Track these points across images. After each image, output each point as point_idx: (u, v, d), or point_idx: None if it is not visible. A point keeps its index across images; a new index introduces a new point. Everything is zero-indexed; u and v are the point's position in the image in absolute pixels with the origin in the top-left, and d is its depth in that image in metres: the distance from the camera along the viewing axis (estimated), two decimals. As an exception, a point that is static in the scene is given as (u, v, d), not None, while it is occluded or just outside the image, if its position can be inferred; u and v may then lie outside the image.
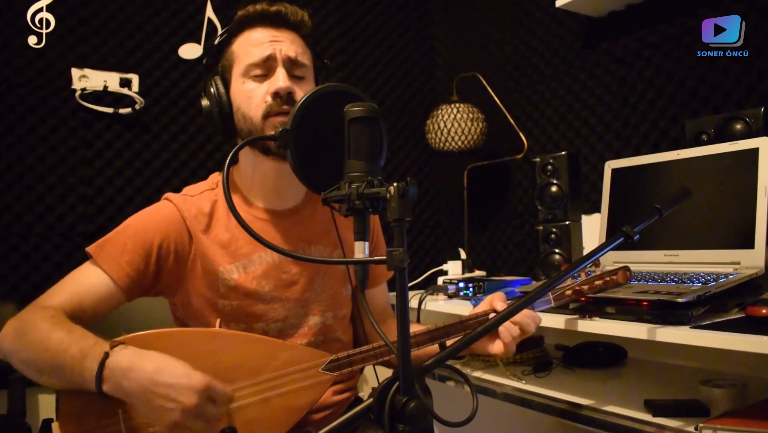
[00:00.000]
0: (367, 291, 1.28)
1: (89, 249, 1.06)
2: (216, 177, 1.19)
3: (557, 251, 1.72)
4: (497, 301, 1.12)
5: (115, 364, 0.88)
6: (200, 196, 1.13)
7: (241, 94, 1.09)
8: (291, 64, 1.10)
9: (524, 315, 1.07)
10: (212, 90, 1.10)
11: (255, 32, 1.10)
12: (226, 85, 1.11)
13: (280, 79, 1.07)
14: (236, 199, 1.15)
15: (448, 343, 1.12)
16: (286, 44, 1.09)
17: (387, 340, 0.75)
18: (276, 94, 1.07)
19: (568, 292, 1.17)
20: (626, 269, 1.17)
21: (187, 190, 1.16)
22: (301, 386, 1.01)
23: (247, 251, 1.11)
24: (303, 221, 1.18)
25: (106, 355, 0.89)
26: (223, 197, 1.13)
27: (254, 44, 1.09)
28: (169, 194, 1.14)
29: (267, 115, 1.07)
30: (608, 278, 1.17)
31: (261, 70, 1.08)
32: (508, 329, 1.06)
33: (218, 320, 1.06)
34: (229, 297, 1.10)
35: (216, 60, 1.15)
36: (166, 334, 1.00)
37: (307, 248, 1.17)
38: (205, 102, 1.12)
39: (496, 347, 1.07)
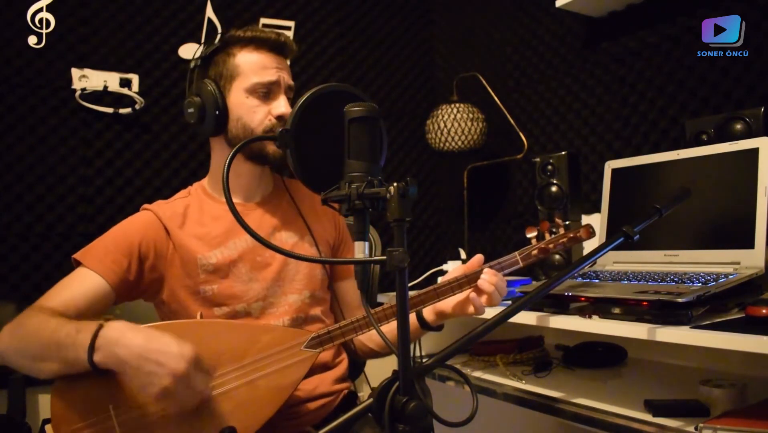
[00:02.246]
0: (341, 283, 1.33)
1: (75, 256, 1.13)
2: (189, 188, 1.28)
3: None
4: (474, 263, 1.17)
5: (107, 333, 0.94)
6: (174, 202, 1.22)
7: (243, 107, 1.18)
8: (288, 90, 1.22)
9: (490, 282, 1.12)
10: (211, 89, 1.17)
11: (264, 56, 1.19)
12: (221, 92, 1.19)
13: (282, 105, 1.18)
14: (209, 200, 1.23)
15: (427, 314, 1.19)
16: (285, 72, 1.22)
17: (388, 341, 0.75)
18: (280, 117, 1.18)
19: (534, 252, 1.21)
20: (588, 226, 1.22)
21: (160, 201, 1.24)
22: (285, 366, 1.05)
23: (221, 239, 1.18)
24: (271, 210, 1.26)
25: (100, 326, 0.94)
26: (194, 202, 1.23)
27: (264, 66, 1.18)
28: (145, 205, 1.22)
29: (269, 131, 1.18)
30: (572, 235, 1.22)
31: (265, 91, 1.18)
32: (481, 293, 1.13)
33: (199, 312, 1.12)
34: (210, 282, 1.15)
35: (207, 64, 1.21)
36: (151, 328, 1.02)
37: (278, 234, 1.24)
38: (197, 99, 1.18)
39: (466, 308, 1.15)
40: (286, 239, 1.24)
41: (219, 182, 1.23)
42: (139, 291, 1.16)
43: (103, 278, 1.09)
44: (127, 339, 0.93)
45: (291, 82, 1.23)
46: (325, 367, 1.23)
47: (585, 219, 1.81)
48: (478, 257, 1.18)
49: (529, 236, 1.26)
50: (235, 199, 1.23)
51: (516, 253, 1.20)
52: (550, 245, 1.22)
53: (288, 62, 1.25)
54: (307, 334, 1.07)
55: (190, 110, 1.19)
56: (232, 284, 1.17)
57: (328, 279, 1.29)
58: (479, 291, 1.13)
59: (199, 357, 0.94)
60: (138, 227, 1.16)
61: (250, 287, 1.18)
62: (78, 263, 1.12)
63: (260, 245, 1.16)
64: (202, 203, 1.23)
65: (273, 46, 1.21)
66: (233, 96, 1.18)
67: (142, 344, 0.92)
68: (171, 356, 0.91)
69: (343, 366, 1.28)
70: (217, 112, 1.16)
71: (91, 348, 0.92)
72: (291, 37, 1.30)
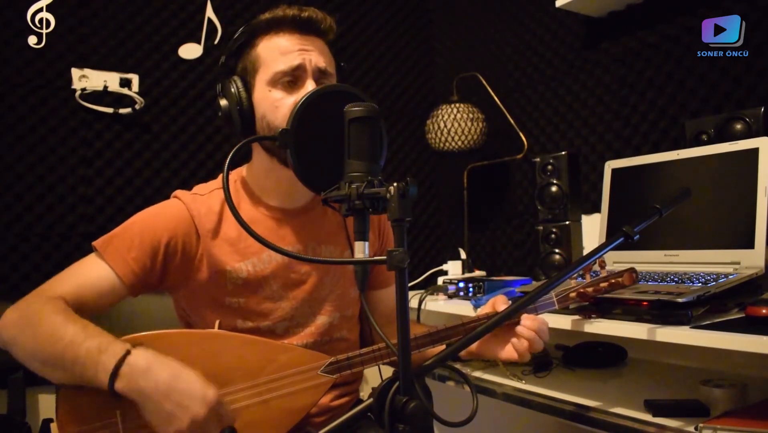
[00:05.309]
0: (379, 291, 1.28)
1: (96, 243, 1.06)
2: (231, 173, 1.18)
3: (557, 251, 1.72)
4: (500, 303, 1.12)
5: (134, 362, 0.88)
6: (210, 195, 1.12)
7: (266, 102, 1.06)
8: (319, 74, 1.07)
9: (530, 327, 1.06)
10: (233, 91, 1.07)
11: (283, 38, 1.06)
12: (247, 87, 1.08)
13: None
14: (248, 199, 1.14)
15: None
16: (315, 54, 1.07)
17: (387, 340, 0.75)
18: None
19: (573, 294, 1.15)
20: (632, 271, 1.14)
21: (198, 189, 1.14)
22: (300, 388, 1.01)
23: (256, 249, 1.09)
24: (314, 220, 1.17)
25: (128, 352, 0.89)
26: (233, 197, 1.13)
27: (283, 52, 1.05)
28: (178, 192, 1.12)
29: None
30: (614, 280, 1.15)
31: (289, 79, 1.05)
32: (520, 338, 1.06)
33: (217, 322, 1.06)
34: (237, 295, 1.09)
35: (235, 59, 1.12)
36: (165, 335, 1.00)
37: (318, 247, 1.15)
38: (224, 102, 1.08)
39: (507, 353, 1.08)
40: (325, 254, 1.15)
41: (261, 185, 1.14)
42: (159, 289, 1.10)
43: (120, 276, 1.02)
44: (154, 372, 0.88)
45: (322, 64, 1.06)
46: (342, 384, 1.17)
47: (585, 219, 1.81)
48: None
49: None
50: (274, 204, 1.14)
51: (553, 293, 1.13)
52: (589, 289, 1.15)
53: (322, 41, 1.10)
54: (325, 358, 1.02)
55: (219, 113, 1.09)
56: (261, 301, 1.10)
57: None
58: (519, 337, 1.06)
59: (221, 402, 0.89)
60: (168, 222, 1.06)
61: (278, 306, 1.11)
62: (96, 250, 1.05)
63: (295, 260, 1.11)
64: (241, 201, 1.13)
65: (295, 24, 1.06)
66: (257, 92, 1.07)
67: (167, 381, 0.87)
68: (194, 399, 0.86)
69: (356, 383, 1.24)
70: (240, 113, 1.06)
71: (114, 374, 0.87)
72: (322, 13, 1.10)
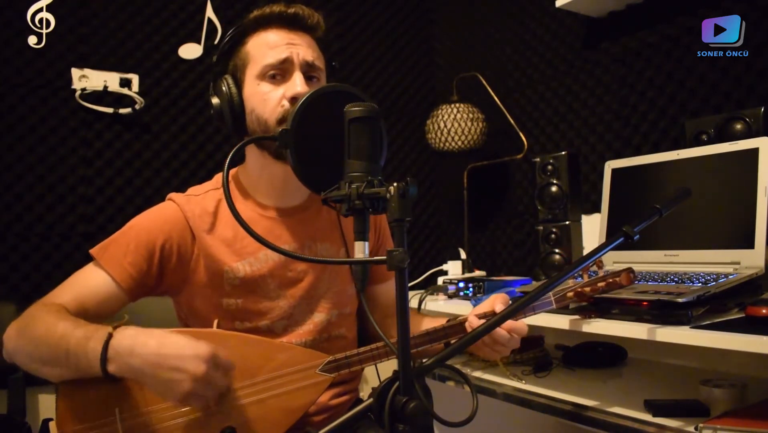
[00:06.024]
0: (377, 287, 1.28)
1: (93, 251, 1.07)
2: (221, 177, 1.18)
3: (557, 251, 1.72)
4: (499, 302, 1.12)
5: (118, 343, 0.89)
6: (204, 196, 1.13)
7: (255, 96, 1.08)
8: (307, 68, 1.09)
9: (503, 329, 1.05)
10: (224, 88, 1.08)
11: (270, 34, 1.09)
12: (238, 85, 1.10)
13: (297, 84, 1.06)
14: (243, 199, 1.15)
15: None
16: (303, 48, 1.09)
17: (387, 340, 0.75)
18: (294, 99, 1.04)
19: (570, 294, 1.15)
20: (629, 271, 1.14)
21: (192, 190, 1.15)
22: (298, 387, 1.01)
23: (252, 249, 1.10)
24: (309, 219, 1.17)
25: (110, 335, 0.90)
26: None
27: (271, 46, 1.08)
28: (172, 194, 1.13)
29: (283, 120, 1.05)
30: (611, 280, 1.15)
31: (276, 72, 1.07)
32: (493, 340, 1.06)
33: (216, 321, 1.07)
34: (234, 295, 1.09)
35: (227, 58, 1.13)
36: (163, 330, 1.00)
37: (314, 245, 1.16)
38: (215, 100, 1.10)
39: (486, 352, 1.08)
40: (321, 252, 1.16)
41: (255, 184, 1.15)
42: (158, 293, 1.11)
43: (118, 281, 1.03)
44: (140, 347, 0.88)
45: (309, 58, 1.09)
46: (341, 383, 1.17)
47: (585, 219, 1.81)
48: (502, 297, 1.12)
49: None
50: (270, 204, 1.14)
51: (550, 293, 1.13)
52: (586, 288, 1.15)
53: (310, 37, 1.13)
54: (323, 357, 1.03)
55: (211, 111, 1.10)
56: (259, 300, 1.10)
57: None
58: (494, 339, 1.06)
59: (216, 353, 0.89)
60: (162, 224, 1.07)
61: (276, 304, 1.11)
62: (93, 259, 1.06)
63: (292, 258, 1.11)
64: (236, 201, 1.14)
65: (282, 19, 1.09)
66: (247, 87, 1.09)
67: (155, 351, 0.88)
68: (187, 360, 0.87)
69: (356, 381, 1.24)
70: (231, 110, 1.07)
71: (104, 359, 0.88)
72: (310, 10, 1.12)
